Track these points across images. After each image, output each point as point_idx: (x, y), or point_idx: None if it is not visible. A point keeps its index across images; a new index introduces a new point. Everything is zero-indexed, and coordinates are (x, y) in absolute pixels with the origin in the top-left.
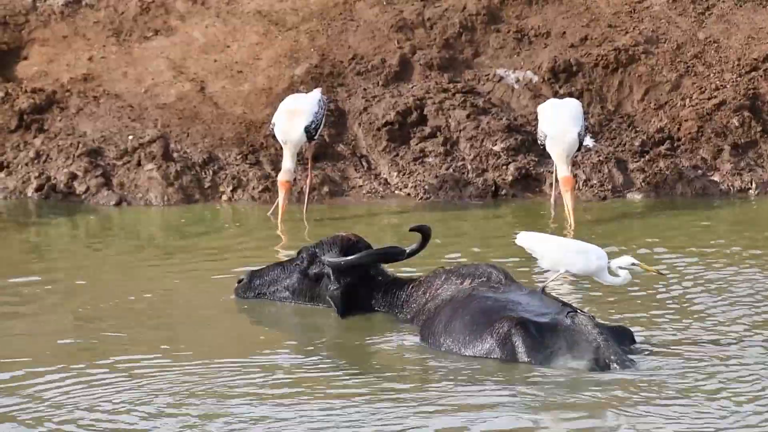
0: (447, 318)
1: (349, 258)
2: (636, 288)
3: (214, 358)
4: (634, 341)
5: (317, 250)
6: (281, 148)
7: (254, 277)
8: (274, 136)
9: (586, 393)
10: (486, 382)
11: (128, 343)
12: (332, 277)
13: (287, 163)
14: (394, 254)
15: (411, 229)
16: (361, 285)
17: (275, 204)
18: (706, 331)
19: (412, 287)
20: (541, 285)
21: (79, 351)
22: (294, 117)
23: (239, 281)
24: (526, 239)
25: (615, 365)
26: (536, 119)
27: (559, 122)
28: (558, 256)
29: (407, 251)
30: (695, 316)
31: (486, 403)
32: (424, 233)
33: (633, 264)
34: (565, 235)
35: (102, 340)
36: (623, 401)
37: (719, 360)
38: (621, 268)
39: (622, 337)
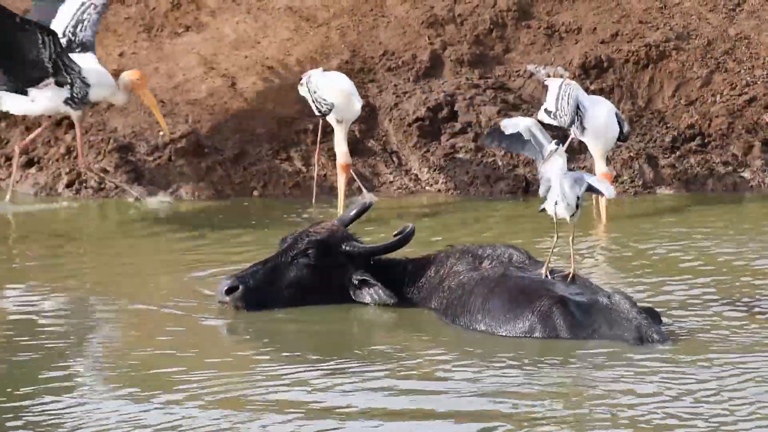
0: (483, 296)
1: (389, 242)
2: (671, 276)
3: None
4: (660, 322)
5: (328, 240)
6: (312, 142)
7: (248, 281)
8: (321, 114)
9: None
10: (526, 367)
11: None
12: (352, 265)
13: (343, 145)
14: (412, 234)
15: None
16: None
17: (337, 191)
18: (739, 318)
19: (417, 267)
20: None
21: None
22: (351, 96)
23: (230, 290)
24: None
25: (659, 344)
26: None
27: (601, 117)
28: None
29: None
30: (725, 303)
31: (528, 390)
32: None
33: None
34: (597, 232)
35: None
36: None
37: (749, 347)
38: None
39: (651, 318)
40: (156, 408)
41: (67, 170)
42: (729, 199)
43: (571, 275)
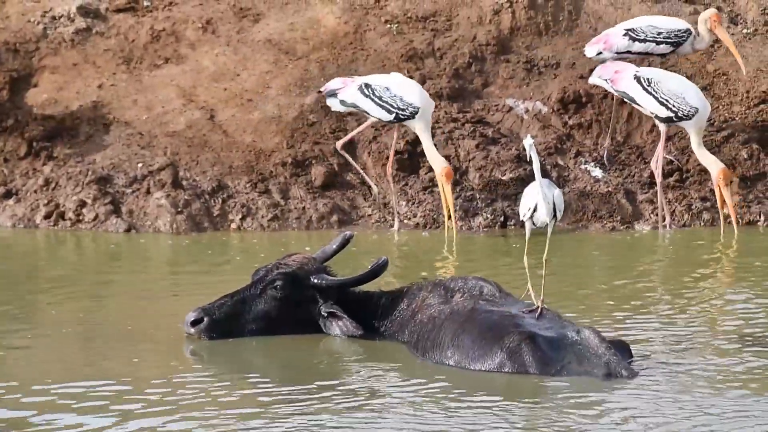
0: (453, 331)
1: (359, 275)
2: (650, 313)
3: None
4: (631, 355)
5: (296, 272)
6: (291, 175)
7: (214, 313)
8: (404, 118)
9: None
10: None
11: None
12: (320, 298)
13: (434, 149)
14: (385, 267)
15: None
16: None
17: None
18: (708, 354)
19: (390, 300)
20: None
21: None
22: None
23: (195, 322)
24: None
25: (628, 381)
26: (552, 147)
27: (700, 94)
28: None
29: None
30: (692, 338)
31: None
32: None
33: None
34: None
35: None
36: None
37: (722, 376)
38: None
39: (620, 351)
40: None
41: (45, 202)
42: (707, 235)
43: (539, 310)
